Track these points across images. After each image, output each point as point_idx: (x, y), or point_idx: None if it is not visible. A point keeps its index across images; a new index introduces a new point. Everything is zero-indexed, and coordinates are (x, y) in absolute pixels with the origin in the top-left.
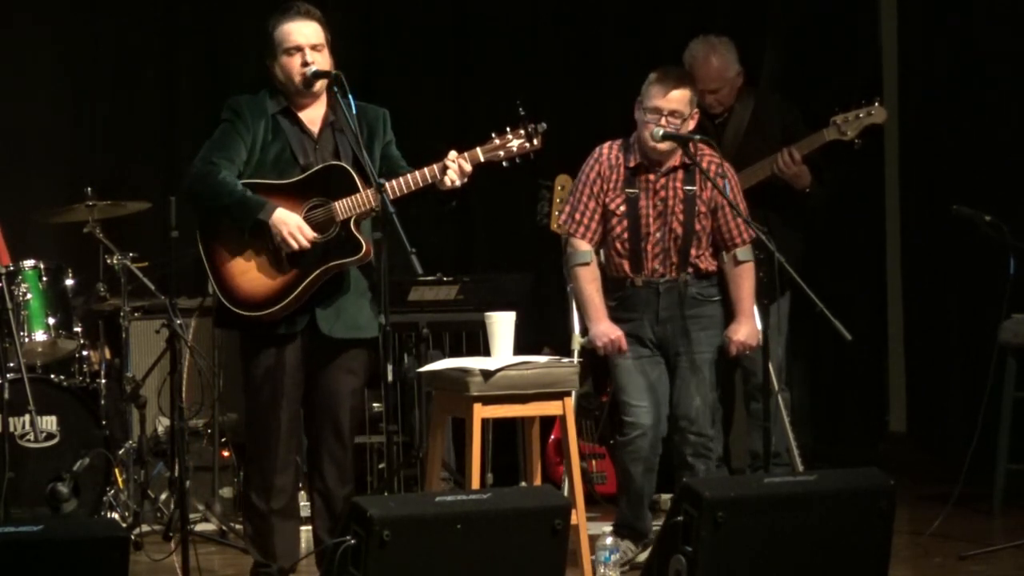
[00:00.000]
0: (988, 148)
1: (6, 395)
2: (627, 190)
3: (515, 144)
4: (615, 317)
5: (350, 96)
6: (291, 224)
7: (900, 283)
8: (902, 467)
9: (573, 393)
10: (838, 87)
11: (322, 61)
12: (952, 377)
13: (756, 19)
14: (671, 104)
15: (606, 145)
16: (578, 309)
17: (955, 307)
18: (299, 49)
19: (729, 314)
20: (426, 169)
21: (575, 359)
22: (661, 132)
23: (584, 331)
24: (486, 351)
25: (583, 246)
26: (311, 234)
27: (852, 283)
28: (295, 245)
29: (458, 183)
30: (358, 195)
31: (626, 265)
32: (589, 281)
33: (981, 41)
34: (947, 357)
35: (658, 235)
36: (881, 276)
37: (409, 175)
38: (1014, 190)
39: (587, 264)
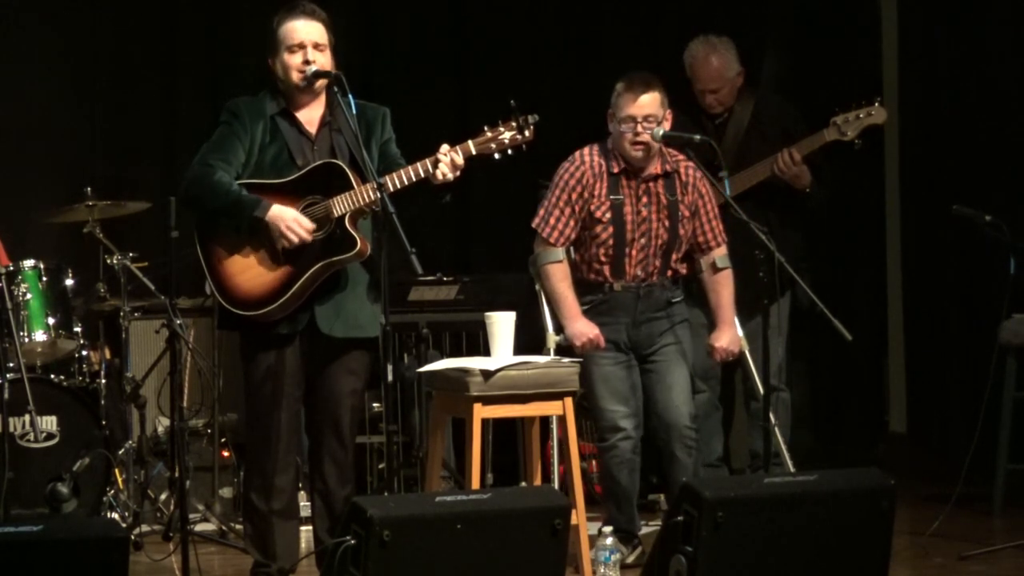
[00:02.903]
0: (988, 148)
1: (6, 395)
2: (611, 196)
3: (507, 136)
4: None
5: (350, 96)
6: (288, 218)
7: (900, 283)
8: (902, 467)
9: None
10: (838, 87)
11: (323, 62)
12: (952, 377)
13: (756, 19)
14: (643, 110)
15: (586, 150)
16: (550, 307)
17: (955, 307)
18: (301, 47)
19: (711, 320)
20: (418, 164)
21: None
22: (661, 132)
23: (558, 329)
24: (486, 351)
25: (554, 246)
26: (309, 225)
27: (852, 283)
28: (294, 239)
29: (450, 176)
30: (354, 191)
31: (607, 270)
32: (561, 279)
33: (981, 41)
34: (947, 357)
35: (643, 241)
36: (881, 276)
37: (402, 170)
38: (1014, 190)
39: (559, 262)
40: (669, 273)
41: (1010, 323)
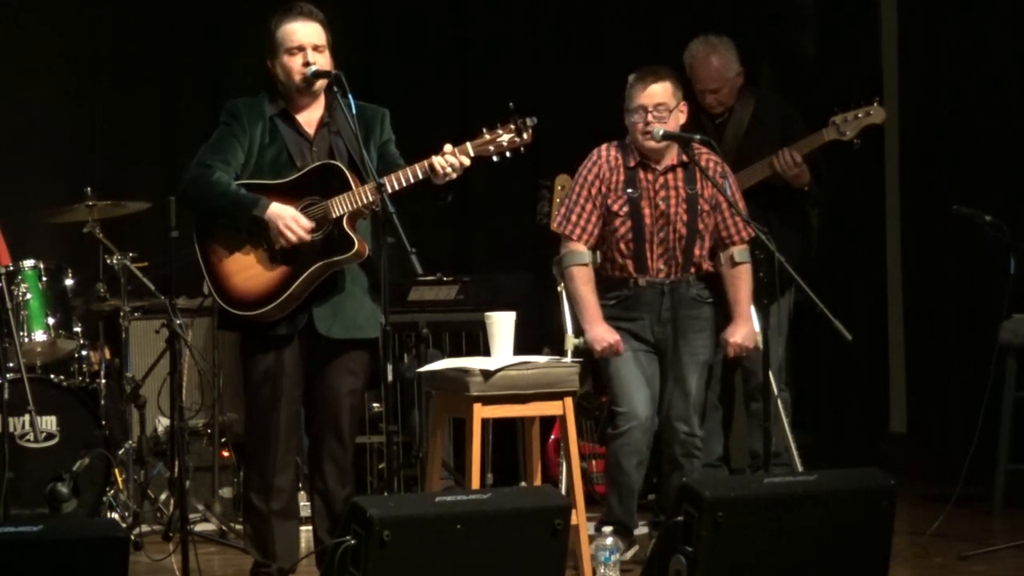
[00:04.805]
0: (988, 148)
1: (6, 395)
2: (628, 191)
3: (505, 139)
4: (614, 317)
5: (350, 96)
6: (286, 217)
7: (900, 283)
8: (902, 467)
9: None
10: (838, 87)
11: (323, 62)
12: (952, 377)
13: (756, 19)
14: (654, 99)
15: (604, 146)
16: (571, 309)
17: (955, 307)
18: (301, 49)
19: (726, 315)
20: (417, 165)
21: (569, 359)
22: (661, 132)
23: (577, 331)
24: (486, 351)
25: (580, 247)
26: (307, 224)
27: (852, 283)
28: (292, 238)
29: (452, 174)
30: (352, 193)
31: (630, 265)
32: (585, 282)
33: (981, 41)
34: (947, 357)
35: (661, 235)
36: (881, 276)
37: (401, 171)
38: (1014, 190)
39: (584, 265)
40: (693, 269)
41: (1010, 323)
